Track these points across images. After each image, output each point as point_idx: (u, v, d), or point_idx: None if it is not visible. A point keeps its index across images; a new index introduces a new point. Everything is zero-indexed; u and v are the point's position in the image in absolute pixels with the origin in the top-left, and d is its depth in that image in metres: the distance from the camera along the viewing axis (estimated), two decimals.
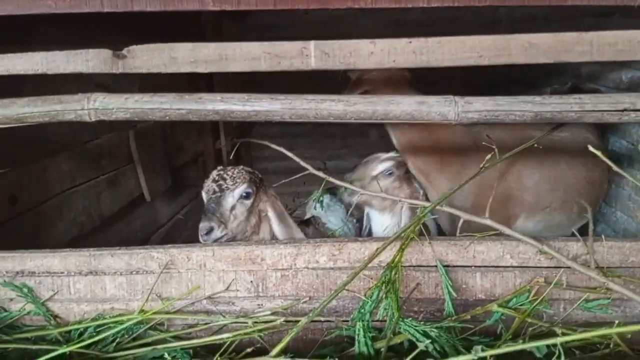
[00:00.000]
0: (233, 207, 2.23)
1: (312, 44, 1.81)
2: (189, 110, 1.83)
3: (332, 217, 3.06)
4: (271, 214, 2.33)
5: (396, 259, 1.81)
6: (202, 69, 1.86)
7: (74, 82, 2.33)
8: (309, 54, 1.82)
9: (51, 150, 2.75)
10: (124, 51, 1.84)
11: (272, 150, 2.48)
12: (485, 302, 1.88)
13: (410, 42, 1.77)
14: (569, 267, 1.82)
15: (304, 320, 1.61)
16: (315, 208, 3.16)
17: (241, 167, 2.39)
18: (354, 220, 3.23)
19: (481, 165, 1.93)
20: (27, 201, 2.52)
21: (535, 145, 1.93)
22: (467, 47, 1.77)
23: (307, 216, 3.24)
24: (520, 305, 1.76)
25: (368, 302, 1.69)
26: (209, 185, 2.31)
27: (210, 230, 2.09)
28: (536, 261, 1.87)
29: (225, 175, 2.29)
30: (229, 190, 2.24)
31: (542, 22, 4.57)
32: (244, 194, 2.25)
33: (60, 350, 1.72)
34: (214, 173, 2.36)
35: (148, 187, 3.66)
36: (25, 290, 1.97)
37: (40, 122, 1.88)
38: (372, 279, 1.88)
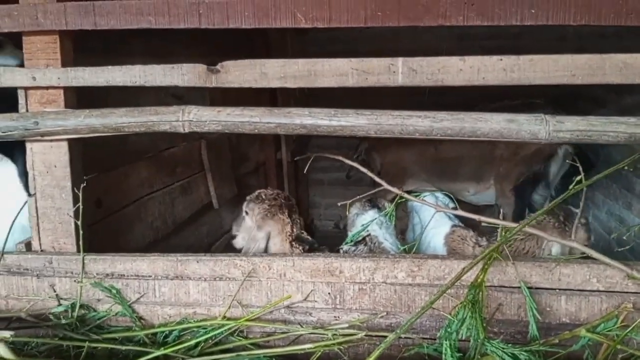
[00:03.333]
0: None
1: (400, 60, 1.83)
2: (278, 124, 1.89)
3: (389, 235, 2.77)
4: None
5: (480, 278, 1.79)
6: (290, 84, 1.91)
7: (149, 92, 2.45)
8: (397, 71, 1.85)
9: (132, 157, 2.88)
10: (218, 66, 1.92)
11: (327, 162, 2.52)
12: (569, 326, 1.83)
13: (501, 59, 1.77)
14: None
15: (391, 336, 1.62)
16: (380, 226, 2.97)
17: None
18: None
19: None
20: (110, 205, 2.64)
21: None
22: (559, 66, 1.75)
23: (360, 234, 2.90)
24: (608, 331, 1.70)
25: (454, 321, 1.68)
26: None
27: None
28: (623, 286, 1.81)
29: None
30: None
31: (612, 38, 4.44)
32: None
33: (155, 353, 1.79)
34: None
35: (217, 195, 3.77)
36: (114, 291, 2.06)
37: (136, 132, 1.98)
38: (452, 297, 1.87)
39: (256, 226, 2.48)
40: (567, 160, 4.32)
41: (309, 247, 2.33)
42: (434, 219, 2.41)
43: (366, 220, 2.56)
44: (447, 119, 1.81)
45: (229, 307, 2.00)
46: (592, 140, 1.75)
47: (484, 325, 1.66)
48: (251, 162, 4.81)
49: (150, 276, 2.07)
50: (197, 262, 2.02)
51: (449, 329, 1.67)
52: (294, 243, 2.33)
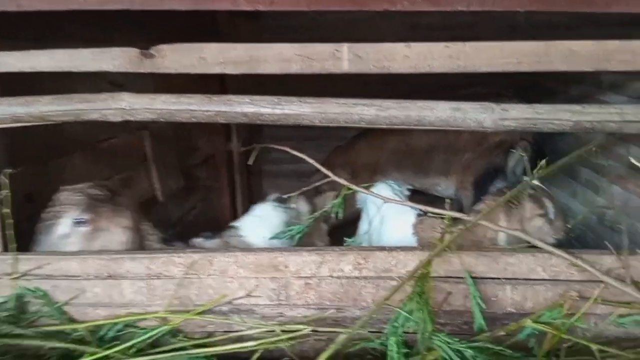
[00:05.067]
0: None
1: (345, 46, 1.76)
2: (217, 112, 1.78)
3: (263, 229, 2.51)
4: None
5: (425, 270, 1.75)
6: (231, 70, 1.81)
7: (87, 80, 2.29)
8: (342, 57, 1.77)
9: (68, 149, 2.71)
10: (152, 50, 1.80)
11: (281, 153, 2.45)
12: (514, 315, 1.83)
13: (448, 46, 1.72)
14: (601, 281, 1.77)
15: (342, 337, 1.56)
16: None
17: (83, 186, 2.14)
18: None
19: None
20: (43, 200, 2.46)
21: None
22: (505, 53, 1.72)
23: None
24: (553, 319, 1.70)
25: (401, 314, 1.63)
26: None
27: None
28: (568, 274, 1.82)
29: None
30: None
31: (562, 29, 4.52)
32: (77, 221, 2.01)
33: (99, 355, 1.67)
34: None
35: (161, 188, 3.61)
36: (41, 293, 1.92)
37: (64, 121, 1.84)
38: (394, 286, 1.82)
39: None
40: (524, 155, 4.40)
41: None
42: (395, 209, 2.34)
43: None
44: (393, 107, 1.76)
45: (167, 306, 1.89)
46: (538, 128, 1.74)
47: (432, 317, 1.62)
48: (200, 153, 4.65)
49: (80, 276, 1.93)
50: (132, 260, 1.90)
51: (395, 323, 1.63)
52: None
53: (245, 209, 5.23)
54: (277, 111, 1.77)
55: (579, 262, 1.75)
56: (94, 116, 1.82)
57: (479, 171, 4.49)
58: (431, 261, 1.77)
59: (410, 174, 4.68)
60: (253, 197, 5.74)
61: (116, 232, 2.06)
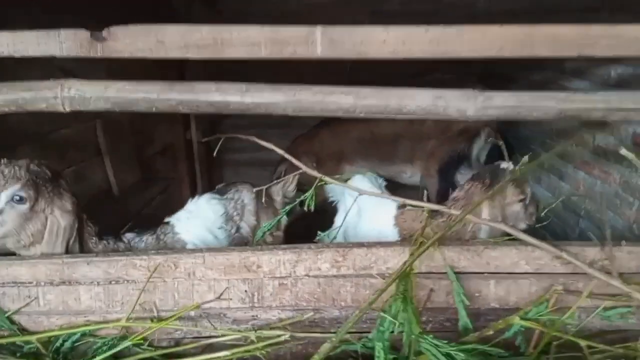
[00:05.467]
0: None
1: (318, 30, 1.62)
2: (180, 101, 1.62)
3: (196, 225, 2.32)
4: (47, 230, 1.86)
5: (407, 268, 1.66)
6: (193, 54, 1.65)
7: (37, 67, 2.07)
8: (315, 41, 1.64)
9: (14, 140, 2.47)
10: (104, 33, 1.61)
11: (243, 141, 2.32)
12: (498, 310, 1.76)
13: (427, 30, 1.61)
14: (586, 274, 1.72)
15: (326, 345, 1.44)
16: (188, 216, 2.44)
17: (24, 161, 1.87)
18: (231, 229, 2.49)
19: None
20: None
21: None
22: (487, 38, 1.63)
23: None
24: (540, 315, 1.65)
25: (387, 318, 1.53)
26: None
27: None
28: (552, 267, 1.76)
29: None
30: None
31: (523, 16, 4.51)
32: (17, 198, 1.77)
33: None
34: None
35: (116, 180, 3.40)
36: None
37: (6, 112, 1.64)
38: (379, 289, 1.73)
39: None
40: (487, 142, 4.38)
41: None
42: (375, 200, 2.23)
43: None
44: (371, 96, 1.64)
45: (130, 314, 1.73)
46: (522, 116, 1.66)
47: (418, 318, 1.53)
48: (158, 143, 4.43)
49: (31, 282, 1.75)
50: (88, 264, 1.73)
51: (382, 328, 1.53)
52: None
53: None
54: (247, 100, 1.63)
55: (564, 255, 1.70)
56: (41, 106, 1.63)
57: (444, 158, 4.47)
58: (415, 259, 1.68)
59: (376, 162, 4.62)
60: (214, 189, 5.56)
61: (56, 215, 1.85)
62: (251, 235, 2.56)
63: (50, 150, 2.76)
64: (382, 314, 1.54)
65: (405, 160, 4.61)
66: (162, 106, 1.62)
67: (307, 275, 1.76)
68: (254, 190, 2.63)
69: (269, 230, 2.34)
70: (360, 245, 1.78)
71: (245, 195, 2.61)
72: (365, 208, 2.48)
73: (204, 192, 5.06)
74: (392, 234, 2.36)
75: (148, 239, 2.18)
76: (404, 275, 1.61)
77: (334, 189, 2.87)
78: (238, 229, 2.53)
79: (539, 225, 2.30)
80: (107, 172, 3.32)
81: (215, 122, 5.44)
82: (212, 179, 5.45)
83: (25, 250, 1.83)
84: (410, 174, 4.69)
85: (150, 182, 4.17)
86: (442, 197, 4.11)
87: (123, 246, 2.08)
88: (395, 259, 1.75)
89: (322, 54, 1.65)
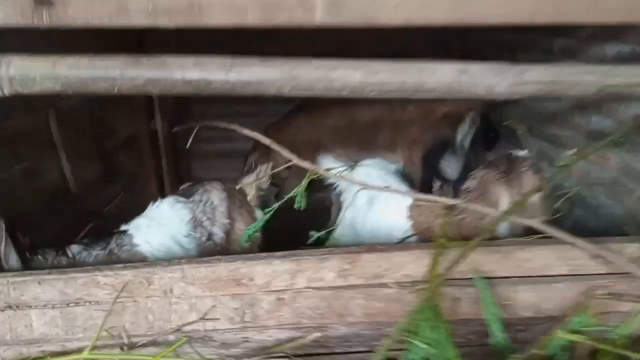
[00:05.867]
0: None
1: None
2: (149, 79, 1.30)
3: (158, 234, 1.99)
4: None
5: (434, 275, 1.40)
6: (164, 21, 1.32)
7: None
8: (313, 5, 1.34)
9: None
10: None
11: (213, 131, 2.00)
12: (532, 320, 1.52)
13: None
14: (627, 273, 1.50)
15: None
16: (149, 224, 2.08)
17: None
18: (202, 237, 2.14)
19: None
20: None
21: None
22: (518, 1, 1.37)
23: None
24: (584, 326, 1.41)
25: (417, 343, 1.26)
26: None
27: None
28: (590, 268, 1.53)
29: None
30: None
31: None
32: None
33: None
34: None
35: (74, 177, 3.02)
36: None
37: None
38: (394, 300, 1.47)
39: None
40: (472, 127, 4.16)
41: None
42: (382, 193, 1.94)
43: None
44: (384, 70, 1.36)
45: (95, 341, 1.41)
46: (559, 93, 1.41)
47: (450, 340, 1.27)
48: (120, 135, 4.02)
49: None
50: (39, 283, 1.40)
51: (413, 356, 1.25)
52: None
53: None
54: (232, 77, 1.32)
55: (605, 253, 1.47)
56: None
57: (427, 146, 4.24)
58: (438, 264, 1.42)
59: (355, 150, 4.35)
60: (182, 183, 5.18)
61: None
62: (225, 241, 2.24)
63: None
64: (411, 339, 1.27)
65: (386, 148, 4.37)
66: (126, 86, 1.30)
67: (309, 287, 1.48)
68: (224, 188, 2.32)
69: (255, 231, 2.04)
70: (371, 249, 1.51)
71: (215, 196, 2.28)
72: (376, 197, 2.20)
73: (171, 187, 4.75)
74: (405, 227, 2.09)
75: (99, 253, 1.84)
76: (433, 286, 1.35)
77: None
78: (210, 235, 2.19)
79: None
80: (63, 168, 2.94)
81: (182, 111, 5.07)
82: (180, 173, 5.09)
83: None
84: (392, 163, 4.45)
85: (111, 178, 3.78)
86: (426, 186, 3.88)
87: (66, 262, 1.74)
88: (413, 265, 1.49)
89: (322, 21, 1.35)
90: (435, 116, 4.19)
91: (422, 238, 2.18)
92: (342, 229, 2.34)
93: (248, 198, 2.52)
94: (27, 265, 1.64)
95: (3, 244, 1.58)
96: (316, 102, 4.35)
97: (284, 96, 1.35)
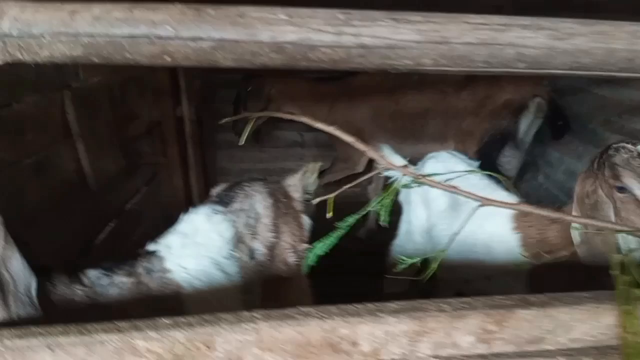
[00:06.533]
0: None
1: None
2: (219, 42, 0.83)
3: (194, 257, 1.57)
4: None
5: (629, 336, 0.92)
6: None
7: None
8: None
9: None
10: None
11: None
12: None
13: None
14: None
15: None
16: (183, 239, 1.63)
17: None
18: (243, 256, 1.71)
19: None
20: None
21: None
22: None
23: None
24: None
25: None
26: None
27: None
28: None
29: None
30: None
31: (550, 11, 3.76)
32: None
33: None
34: None
35: (93, 170, 2.57)
36: None
37: None
38: None
39: None
40: (538, 117, 3.64)
41: None
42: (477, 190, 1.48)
43: None
44: (580, 34, 0.87)
45: None
46: None
47: None
48: (142, 122, 3.55)
49: None
50: (51, 349, 0.93)
51: None
52: None
53: (201, 191, 4.27)
54: (347, 40, 0.84)
55: None
56: None
57: (484, 138, 3.74)
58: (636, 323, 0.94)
59: (398, 139, 3.86)
60: (209, 175, 4.74)
61: None
62: (269, 258, 1.78)
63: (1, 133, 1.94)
64: None
65: (435, 139, 3.88)
66: (183, 52, 0.82)
67: (436, 357, 1.01)
68: (269, 191, 1.85)
69: (322, 253, 1.57)
70: (525, 301, 1.03)
71: (259, 202, 1.81)
72: (464, 201, 1.73)
73: (197, 180, 4.30)
74: (510, 242, 1.63)
75: (123, 281, 1.40)
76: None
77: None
78: (252, 253, 1.74)
79: None
80: (81, 160, 2.49)
81: (208, 95, 4.61)
82: (205, 163, 4.64)
83: None
84: None
85: (132, 170, 3.33)
86: None
87: (82, 293, 1.30)
88: (586, 326, 1.01)
89: None
90: (494, 104, 3.70)
91: (533, 257, 1.72)
92: (409, 236, 1.87)
93: (294, 202, 2.06)
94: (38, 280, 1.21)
95: (1, 244, 1.15)
96: (355, 79, 3.85)
97: (420, 71, 0.87)
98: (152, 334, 0.93)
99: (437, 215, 1.95)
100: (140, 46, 0.81)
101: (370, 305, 1.00)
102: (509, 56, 0.85)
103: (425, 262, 1.42)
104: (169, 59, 0.83)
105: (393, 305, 1.01)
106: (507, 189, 1.83)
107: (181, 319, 0.96)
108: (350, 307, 1.00)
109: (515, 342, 1.02)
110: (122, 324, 0.94)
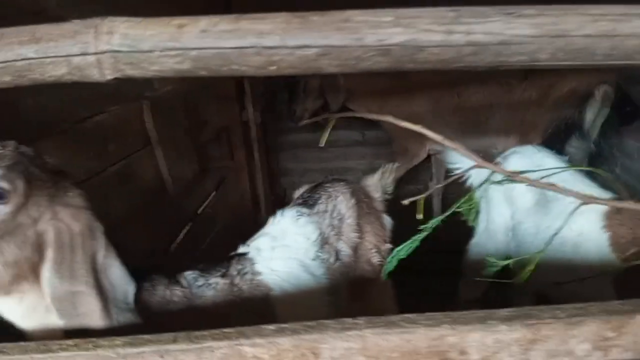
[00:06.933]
0: None
1: None
2: (325, 49, 0.82)
3: (283, 259, 1.57)
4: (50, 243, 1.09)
5: None
6: None
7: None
8: None
9: (32, 132, 1.73)
10: None
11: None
12: None
13: None
14: None
15: None
16: (272, 241, 1.65)
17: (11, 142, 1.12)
18: (329, 258, 1.69)
19: None
20: None
21: None
22: None
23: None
24: None
25: None
26: None
27: None
28: None
29: None
30: None
31: None
32: None
33: None
34: None
35: (172, 177, 2.65)
36: None
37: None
38: None
39: None
40: (605, 105, 3.43)
41: None
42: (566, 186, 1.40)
43: None
44: None
45: None
46: None
47: None
48: (211, 127, 3.64)
49: None
50: (162, 357, 0.96)
51: None
52: None
53: (267, 192, 4.31)
54: (457, 39, 0.81)
55: None
56: (57, 73, 0.85)
57: (548, 129, 3.56)
58: None
59: (459, 132, 3.73)
60: (275, 177, 4.79)
61: (63, 218, 1.07)
62: (354, 259, 1.77)
63: (83, 143, 2.03)
64: None
65: (498, 131, 3.73)
66: (288, 61, 0.82)
67: None
68: (352, 191, 1.85)
69: (404, 255, 1.55)
70: None
71: (342, 203, 1.82)
72: (553, 198, 1.65)
73: (263, 183, 4.35)
74: (599, 241, 1.55)
75: (218, 282, 1.43)
76: None
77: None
78: (337, 254, 1.74)
79: None
80: (160, 166, 2.57)
81: (270, 99, 4.65)
82: (271, 166, 4.70)
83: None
84: (503, 149, 3.79)
85: (204, 174, 3.42)
86: None
87: (181, 293, 1.34)
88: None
89: None
90: (558, 93, 3.51)
91: (622, 258, 1.62)
92: (489, 235, 1.81)
93: (374, 202, 2.04)
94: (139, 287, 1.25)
95: (102, 252, 1.19)
96: (416, 73, 3.72)
97: (534, 67, 0.83)
98: (259, 340, 0.93)
99: (523, 213, 1.88)
100: (247, 57, 0.82)
101: (479, 313, 0.97)
102: (633, 47, 0.79)
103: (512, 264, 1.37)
104: (274, 68, 0.83)
105: (504, 312, 0.97)
106: (603, 184, 1.74)
107: (284, 326, 0.96)
108: (458, 315, 0.97)
109: (634, 349, 0.96)
110: (229, 331, 0.95)
